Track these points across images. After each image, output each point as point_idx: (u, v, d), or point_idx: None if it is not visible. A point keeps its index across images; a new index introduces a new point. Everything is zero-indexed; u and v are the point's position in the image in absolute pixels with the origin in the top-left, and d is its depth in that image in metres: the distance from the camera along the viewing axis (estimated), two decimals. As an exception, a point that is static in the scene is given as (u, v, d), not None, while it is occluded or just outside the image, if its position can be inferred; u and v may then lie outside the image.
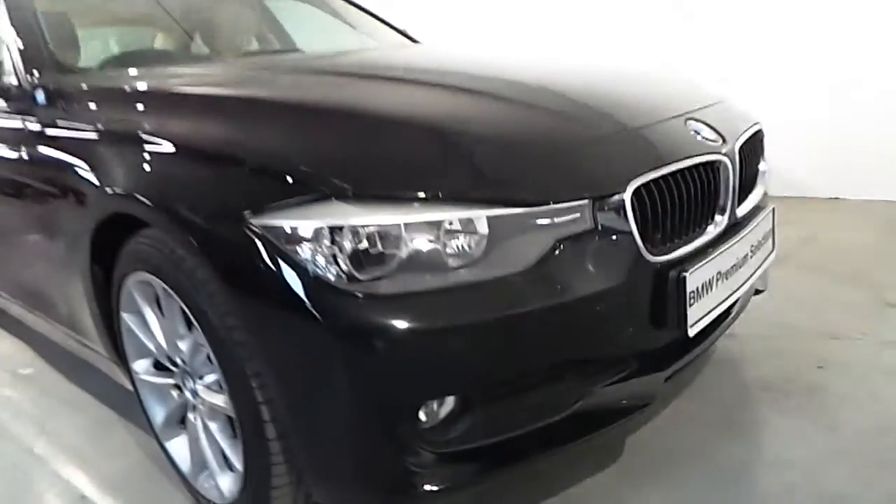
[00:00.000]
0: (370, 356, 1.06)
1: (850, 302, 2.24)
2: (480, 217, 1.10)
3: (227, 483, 1.37)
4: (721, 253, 1.34)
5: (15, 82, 1.79)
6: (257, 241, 1.08)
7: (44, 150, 1.62)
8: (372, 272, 1.07)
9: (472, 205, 1.10)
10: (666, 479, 1.45)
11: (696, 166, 1.32)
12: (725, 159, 1.38)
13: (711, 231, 1.37)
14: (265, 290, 1.09)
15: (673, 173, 1.26)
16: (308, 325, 1.06)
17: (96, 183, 1.39)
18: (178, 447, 1.54)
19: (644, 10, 3.92)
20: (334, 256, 1.05)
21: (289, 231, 1.06)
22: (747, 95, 2.19)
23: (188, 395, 1.44)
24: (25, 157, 1.71)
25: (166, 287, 1.27)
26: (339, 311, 1.05)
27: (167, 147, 1.29)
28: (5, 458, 1.87)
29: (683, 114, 1.44)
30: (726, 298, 1.38)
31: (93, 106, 1.57)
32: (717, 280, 1.34)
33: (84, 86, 1.68)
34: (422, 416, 1.12)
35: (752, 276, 1.48)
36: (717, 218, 1.39)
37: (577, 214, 1.15)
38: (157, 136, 1.31)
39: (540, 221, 1.13)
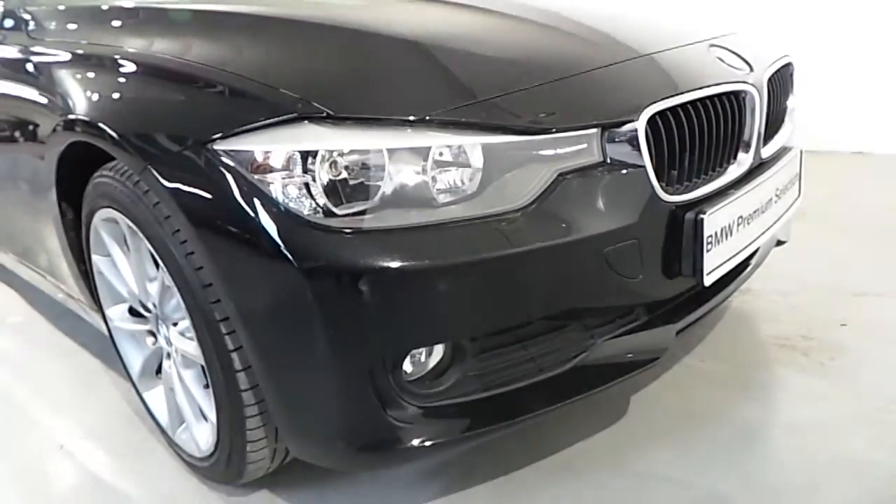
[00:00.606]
0: (349, 300, 0.95)
1: (875, 259, 2.11)
2: (474, 145, 0.97)
3: (203, 436, 1.28)
4: (743, 195, 1.21)
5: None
6: (223, 169, 0.96)
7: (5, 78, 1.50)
8: (351, 206, 0.95)
9: (466, 130, 0.98)
10: (675, 439, 1.35)
11: (720, 96, 1.18)
12: (752, 90, 1.24)
13: (734, 170, 1.24)
14: (232, 226, 0.97)
15: (693, 102, 1.13)
16: (280, 265, 0.95)
17: (56, 111, 1.26)
18: (156, 398, 1.45)
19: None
20: (307, 186, 0.94)
21: (258, 158, 0.94)
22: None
23: (162, 342, 1.34)
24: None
25: (131, 224, 1.16)
26: (314, 249, 0.94)
27: (128, 69, 1.16)
28: (-17, 407, 1.81)
29: (706, 40, 1.30)
30: (747, 246, 1.26)
31: (55, 27, 1.44)
32: (738, 225, 1.21)
33: (45, 7, 1.54)
34: (407, 366, 1.01)
35: (775, 223, 1.36)
36: (741, 156, 1.25)
37: (584, 145, 1.03)
38: (118, 59, 1.19)
39: (542, 152, 1.01)
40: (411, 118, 0.96)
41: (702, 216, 1.11)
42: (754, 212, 1.26)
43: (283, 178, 0.94)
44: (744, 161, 1.25)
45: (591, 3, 1.50)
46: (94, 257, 1.39)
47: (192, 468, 1.37)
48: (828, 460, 1.26)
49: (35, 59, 1.41)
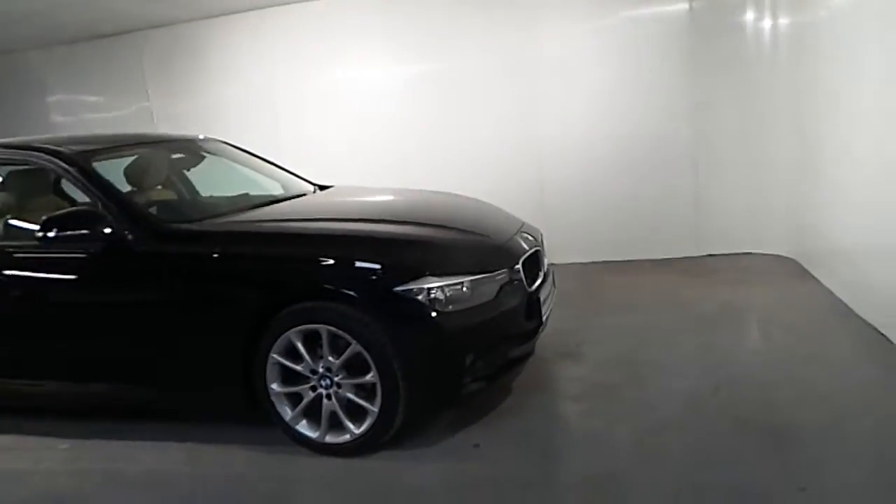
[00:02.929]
0: (444, 338, 2.64)
1: (577, 314, 4.36)
2: (469, 280, 2.75)
3: (352, 428, 2.71)
4: (544, 286, 3.20)
5: (124, 231, 2.88)
6: (398, 297, 2.59)
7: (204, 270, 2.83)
8: (440, 304, 2.64)
9: (468, 275, 2.75)
10: (529, 396, 3.21)
11: (533, 253, 3.18)
12: (539, 248, 3.27)
13: (540, 278, 3.22)
14: (403, 317, 2.59)
15: (529, 255, 3.10)
16: (422, 328, 2.61)
17: (280, 281, 2.70)
18: (304, 426, 2.79)
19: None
20: (429, 299, 2.61)
21: (413, 290, 2.59)
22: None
23: (322, 390, 2.73)
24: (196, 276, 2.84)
25: (332, 329, 2.63)
26: (432, 320, 2.61)
27: (337, 256, 2.72)
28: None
29: (518, 230, 3.31)
30: (548, 307, 3.24)
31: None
32: (546, 298, 3.19)
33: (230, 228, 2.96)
34: (465, 361, 2.70)
35: (552, 297, 3.39)
36: (541, 273, 3.25)
37: (504, 274, 2.89)
38: (325, 255, 2.73)
39: (492, 278, 2.83)
40: (454, 272, 2.72)
41: (538, 295, 3.05)
42: (548, 294, 3.26)
43: (422, 296, 2.60)
44: (541, 275, 3.25)
45: (474, 211, 3.44)
46: (273, 354, 2.73)
47: (335, 451, 2.74)
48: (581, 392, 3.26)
49: (237, 260, 2.78)
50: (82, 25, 5.90)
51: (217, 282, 2.81)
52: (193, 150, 4.00)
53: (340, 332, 2.64)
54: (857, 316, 3.76)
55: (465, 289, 2.71)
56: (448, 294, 2.66)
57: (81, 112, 6.88)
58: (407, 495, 2.50)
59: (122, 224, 2.89)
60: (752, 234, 5.46)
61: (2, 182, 3.27)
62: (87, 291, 2.98)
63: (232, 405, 2.90)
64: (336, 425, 2.75)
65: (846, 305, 3.94)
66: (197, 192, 3.85)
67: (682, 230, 5.62)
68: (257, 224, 3.10)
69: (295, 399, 2.80)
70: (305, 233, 2.97)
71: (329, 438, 2.76)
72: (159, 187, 3.79)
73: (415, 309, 2.60)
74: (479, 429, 2.90)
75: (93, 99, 6.87)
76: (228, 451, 2.91)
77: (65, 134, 5.55)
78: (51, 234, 2.78)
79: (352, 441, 2.73)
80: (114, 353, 2.98)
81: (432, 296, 2.62)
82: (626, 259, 5.65)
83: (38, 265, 3.05)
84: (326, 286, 2.67)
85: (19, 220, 3.29)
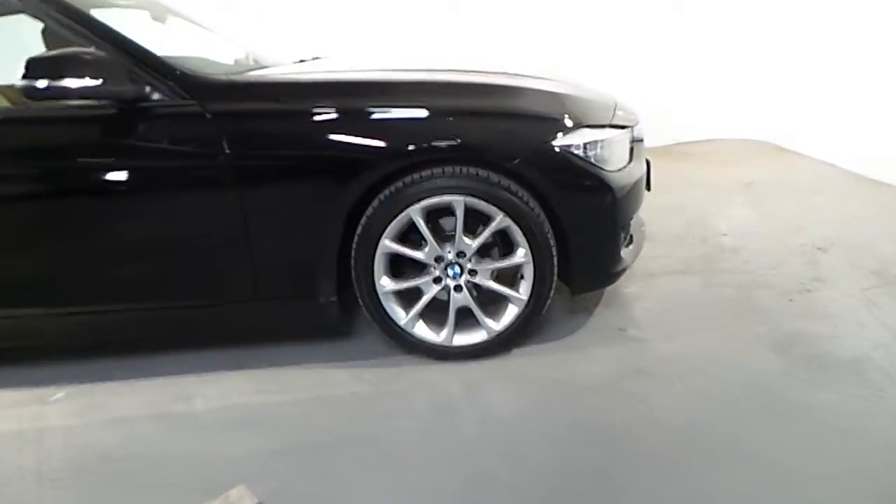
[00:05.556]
0: (610, 202, 2.14)
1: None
2: (621, 133, 2.26)
3: (492, 323, 2.19)
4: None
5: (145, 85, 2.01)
6: (556, 152, 2.05)
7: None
8: (602, 161, 2.14)
9: (616, 129, 2.25)
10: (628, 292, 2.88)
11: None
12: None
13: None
14: (563, 178, 2.07)
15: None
16: (586, 190, 2.10)
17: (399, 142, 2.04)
18: (421, 329, 2.21)
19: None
20: (590, 155, 2.11)
21: (572, 145, 2.07)
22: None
23: (449, 281, 2.16)
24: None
25: (470, 200, 2.03)
26: (598, 179, 2.11)
27: (470, 108, 2.13)
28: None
29: (617, 104, 2.84)
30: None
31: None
32: (650, 168, 2.80)
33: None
34: (622, 229, 2.26)
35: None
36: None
37: (629, 131, 2.42)
38: (453, 108, 2.11)
39: (626, 134, 2.33)
40: (599, 126, 2.22)
41: (649, 160, 2.66)
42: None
43: (579, 151, 2.08)
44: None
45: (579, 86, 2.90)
46: (385, 241, 2.07)
47: (465, 355, 2.22)
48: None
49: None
50: None
51: (306, 147, 2.05)
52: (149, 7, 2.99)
53: (482, 203, 2.06)
54: (868, 179, 3.89)
55: (616, 145, 2.23)
56: (604, 150, 2.16)
57: None
58: (583, 388, 2.07)
59: (142, 74, 2.00)
60: (715, 121, 5.51)
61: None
62: (93, 169, 2.06)
63: (320, 314, 2.21)
64: (466, 323, 2.22)
65: (852, 172, 4.07)
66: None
67: (651, 121, 5.50)
68: (339, 74, 2.33)
69: (408, 297, 2.21)
70: (417, 82, 2.25)
71: (459, 340, 2.22)
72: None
73: (577, 167, 2.08)
74: (611, 316, 2.52)
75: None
76: (320, 372, 2.26)
77: None
78: (40, 85, 1.84)
79: (489, 340, 2.22)
80: (141, 257, 2.14)
81: (592, 152, 2.12)
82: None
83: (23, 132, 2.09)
84: (464, 145, 2.04)
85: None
